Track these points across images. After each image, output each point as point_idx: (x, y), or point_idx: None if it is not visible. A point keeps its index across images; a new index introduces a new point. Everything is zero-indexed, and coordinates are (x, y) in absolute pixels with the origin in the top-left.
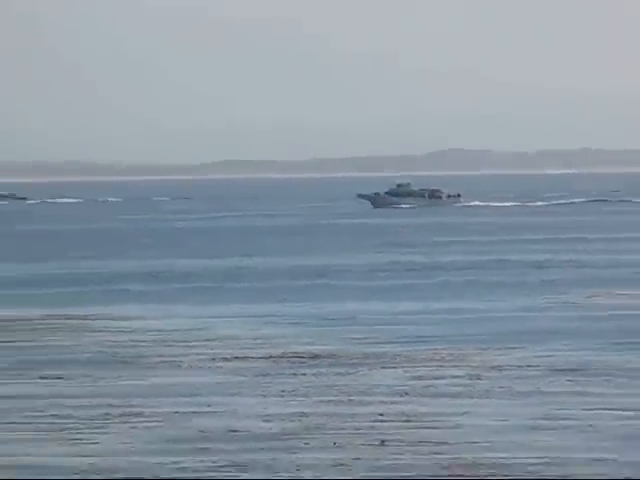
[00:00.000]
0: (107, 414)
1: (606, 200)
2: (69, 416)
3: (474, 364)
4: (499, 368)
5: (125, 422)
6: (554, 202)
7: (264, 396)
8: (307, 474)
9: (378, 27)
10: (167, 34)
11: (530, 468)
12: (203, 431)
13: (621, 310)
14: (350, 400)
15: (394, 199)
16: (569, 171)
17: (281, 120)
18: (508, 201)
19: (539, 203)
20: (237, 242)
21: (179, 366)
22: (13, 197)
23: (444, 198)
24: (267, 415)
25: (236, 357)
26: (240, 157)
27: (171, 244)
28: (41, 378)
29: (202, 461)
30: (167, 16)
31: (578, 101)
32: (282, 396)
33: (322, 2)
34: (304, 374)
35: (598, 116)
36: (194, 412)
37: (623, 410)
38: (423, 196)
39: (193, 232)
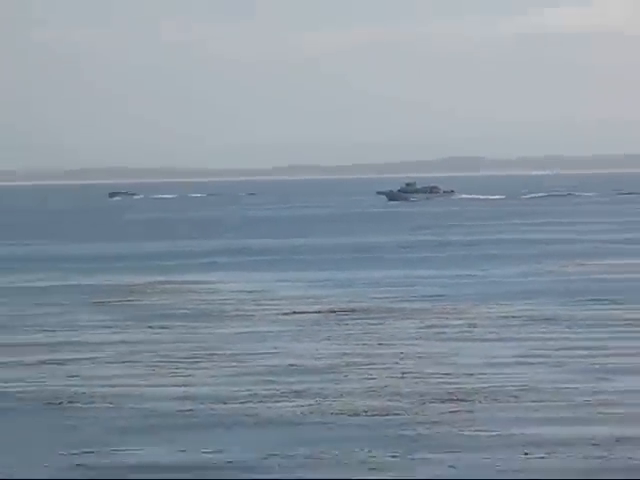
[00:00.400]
0: (197, 355)
1: (569, 194)
2: (169, 356)
3: (471, 316)
4: (490, 319)
5: (210, 361)
6: (528, 196)
7: (316, 341)
8: (347, 399)
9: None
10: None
11: (513, 393)
12: (269, 367)
13: (584, 275)
14: (379, 344)
15: (404, 194)
16: (542, 172)
17: (321, 136)
18: (492, 194)
19: (527, 197)
20: (294, 227)
21: (252, 319)
22: (125, 194)
23: (441, 193)
24: (318, 355)
25: (294, 312)
26: (299, 163)
27: (246, 228)
28: (149, 327)
29: (268, 389)
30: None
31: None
32: (329, 340)
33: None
34: (346, 324)
35: (558, 134)
36: (264, 353)
37: (584, 349)
38: (425, 192)
39: (262, 219)
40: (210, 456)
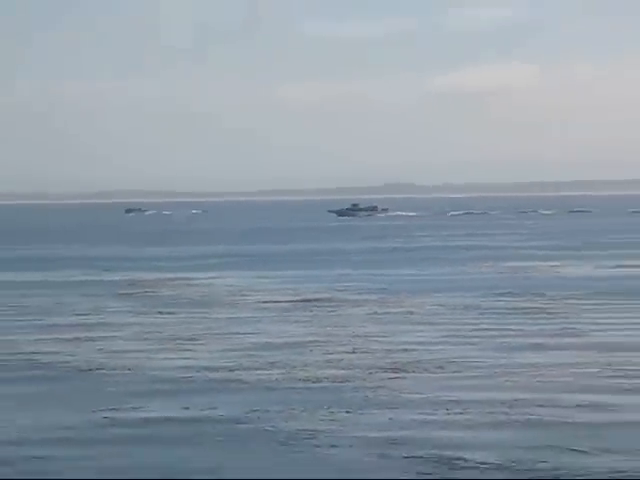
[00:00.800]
0: (196, 334)
1: (484, 212)
2: (174, 335)
3: (408, 305)
4: (423, 307)
5: (206, 339)
6: (450, 214)
7: (287, 324)
8: (311, 369)
9: None
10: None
11: (439, 365)
12: (251, 344)
13: (501, 274)
14: (336, 326)
15: (350, 212)
16: (468, 195)
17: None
18: (415, 212)
19: (449, 214)
20: (278, 237)
21: (238, 306)
22: (138, 210)
23: (379, 210)
24: (289, 334)
25: (271, 301)
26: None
27: (228, 238)
28: (159, 313)
29: (250, 361)
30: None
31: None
32: (297, 323)
33: None
34: (311, 311)
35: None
36: (247, 333)
37: (493, 331)
38: (367, 210)
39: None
40: (207, 412)
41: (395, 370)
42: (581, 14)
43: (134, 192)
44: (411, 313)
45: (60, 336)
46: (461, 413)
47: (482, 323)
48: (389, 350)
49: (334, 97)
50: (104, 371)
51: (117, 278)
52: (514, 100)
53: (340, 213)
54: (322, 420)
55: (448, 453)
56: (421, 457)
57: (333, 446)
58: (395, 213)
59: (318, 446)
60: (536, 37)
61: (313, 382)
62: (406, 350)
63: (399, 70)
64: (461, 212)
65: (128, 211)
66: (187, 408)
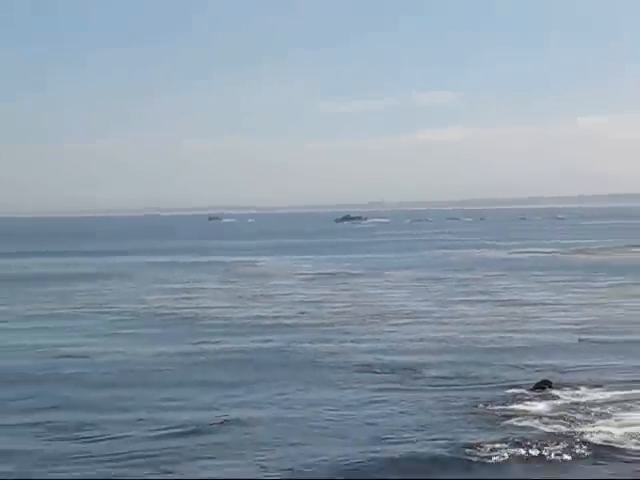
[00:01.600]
0: (255, 296)
1: (424, 220)
2: (243, 296)
3: (387, 277)
4: (396, 278)
5: (261, 297)
6: (407, 221)
7: (312, 288)
8: (324, 317)
9: None
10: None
11: (405, 313)
12: (289, 301)
13: (447, 257)
14: (342, 290)
15: (345, 219)
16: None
17: None
18: (385, 218)
19: (406, 221)
20: (304, 234)
21: (279, 277)
22: (217, 218)
23: (362, 218)
24: (312, 295)
25: (301, 274)
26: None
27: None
28: (232, 282)
29: (288, 311)
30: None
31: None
32: (317, 288)
33: None
34: (326, 280)
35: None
36: (286, 294)
37: (441, 292)
38: (354, 218)
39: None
40: (263, 344)
41: (377, 317)
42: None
43: (213, 206)
44: (389, 282)
45: (173, 296)
46: (420, 341)
47: (432, 288)
48: (373, 305)
49: (348, 149)
50: (197, 319)
51: (206, 260)
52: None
53: (338, 220)
54: (334, 346)
55: (411, 369)
56: (394, 372)
57: (341, 364)
58: (373, 220)
59: (333, 362)
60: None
61: (327, 325)
62: (385, 305)
63: (391, 129)
64: (410, 220)
65: (211, 218)
66: (252, 341)
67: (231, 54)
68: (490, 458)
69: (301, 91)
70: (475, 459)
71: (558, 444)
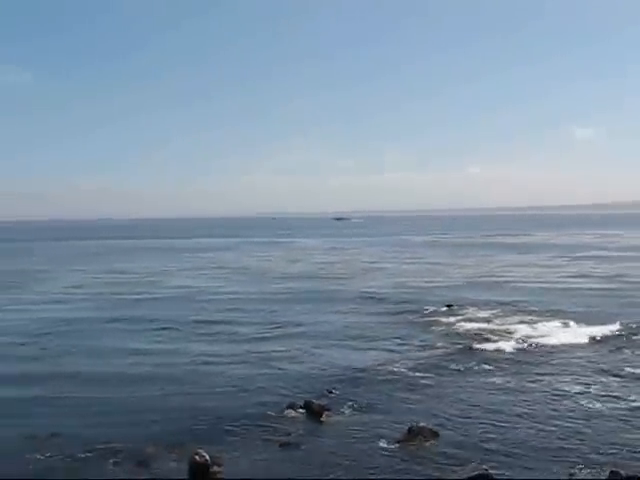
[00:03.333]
0: (294, 259)
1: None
2: (285, 257)
3: (369, 251)
4: (375, 252)
5: (298, 261)
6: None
7: (327, 256)
8: (335, 273)
9: None
10: None
11: (382, 271)
12: (311, 263)
13: (398, 241)
14: (344, 256)
15: (340, 219)
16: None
17: None
18: (361, 219)
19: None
20: (317, 228)
21: (310, 250)
22: (340, 219)
23: (348, 218)
24: (326, 260)
25: (320, 248)
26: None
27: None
28: (279, 253)
29: (312, 270)
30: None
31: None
32: (332, 255)
33: None
34: (337, 251)
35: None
36: (310, 262)
37: (395, 258)
38: (345, 218)
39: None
40: (295, 287)
41: (365, 272)
42: None
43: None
44: (371, 255)
45: (255, 259)
46: (384, 283)
47: (393, 255)
48: (364, 267)
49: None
50: (268, 272)
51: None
52: None
53: (335, 219)
54: (340, 285)
55: (378, 298)
56: (370, 299)
57: (346, 296)
58: (355, 219)
59: (341, 294)
60: None
61: (336, 277)
62: (371, 265)
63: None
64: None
65: (336, 219)
66: (289, 287)
67: None
68: (435, 345)
69: None
70: (424, 344)
71: (459, 335)
